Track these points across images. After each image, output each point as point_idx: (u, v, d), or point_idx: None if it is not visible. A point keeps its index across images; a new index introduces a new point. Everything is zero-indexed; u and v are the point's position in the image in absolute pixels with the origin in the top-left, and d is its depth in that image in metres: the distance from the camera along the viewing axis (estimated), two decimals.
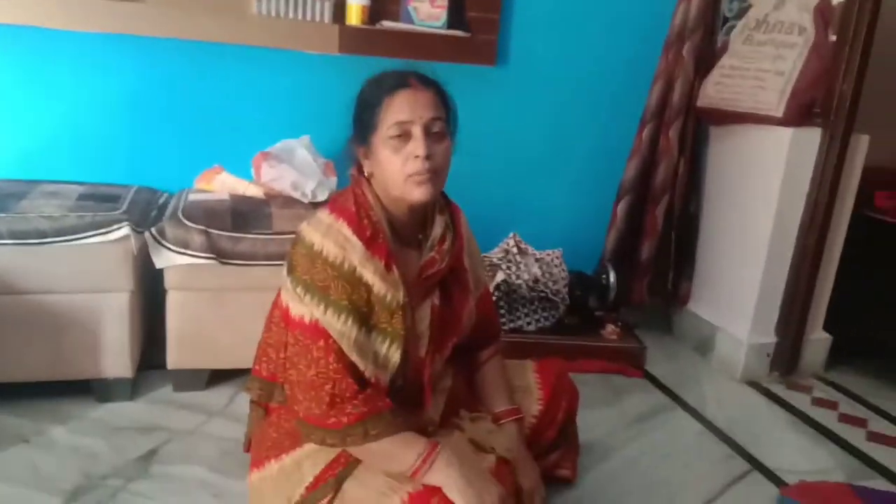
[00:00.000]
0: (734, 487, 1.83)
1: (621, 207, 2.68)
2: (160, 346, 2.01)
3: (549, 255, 2.55)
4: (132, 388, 1.99)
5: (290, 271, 1.30)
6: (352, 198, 1.33)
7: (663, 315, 2.87)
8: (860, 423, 2.25)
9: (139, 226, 1.89)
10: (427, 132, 1.26)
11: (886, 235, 2.43)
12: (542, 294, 2.47)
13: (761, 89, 2.29)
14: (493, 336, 1.61)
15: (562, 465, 1.73)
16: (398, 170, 1.26)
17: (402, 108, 1.26)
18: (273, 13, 2.26)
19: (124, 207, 1.95)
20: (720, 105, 2.45)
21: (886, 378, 2.50)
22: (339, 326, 1.25)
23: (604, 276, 2.61)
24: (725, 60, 2.46)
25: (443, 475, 1.23)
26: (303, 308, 1.27)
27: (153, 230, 1.88)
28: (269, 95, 2.38)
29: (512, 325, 2.48)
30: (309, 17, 2.29)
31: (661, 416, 2.17)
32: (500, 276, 2.45)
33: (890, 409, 2.34)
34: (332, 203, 1.35)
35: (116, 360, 1.92)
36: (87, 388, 1.95)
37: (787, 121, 2.23)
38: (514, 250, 2.52)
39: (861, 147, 2.34)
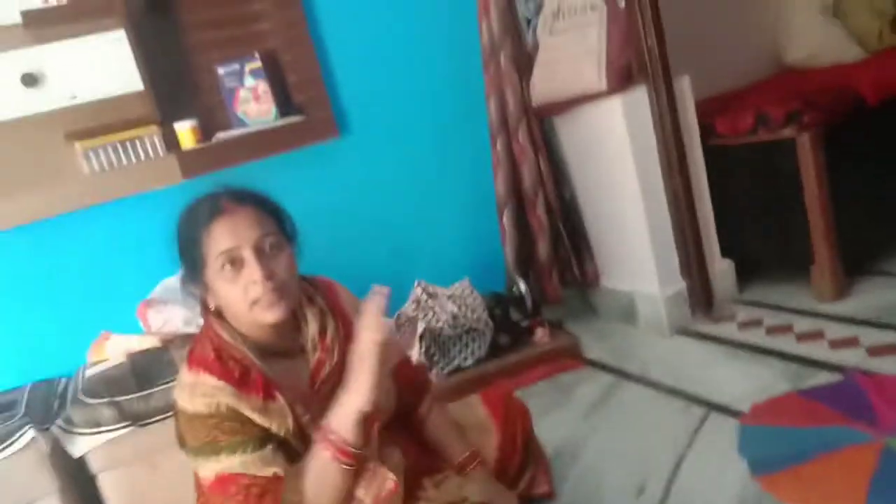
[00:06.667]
0: (699, 435, 1.89)
1: (506, 219, 2.76)
2: None
3: (458, 288, 2.59)
4: None
5: (181, 445, 1.25)
6: (208, 343, 1.26)
7: (583, 300, 2.95)
8: (787, 329, 2.37)
9: (44, 423, 1.81)
10: (259, 252, 1.20)
11: (738, 154, 2.59)
12: (466, 327, 2.51)
13: (580, 71, 2.43)
14: (424, 391, 1.59)
15: (537, 483, 1.73)
16: (241, 299, 1.20)
17: (223, 237, 1.19)
18: (106, 166, 2.24)
19: (22, 411, 1.86)
20: (552, 98, 2.58)
21: (793, 279, 2.64)
22: (240, 459, 1.19)
23: (515, 287, 2.68)
24: (541, 57, 2.60)
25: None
26: (205, 471, 1.22)
27: (59, 422, 1.81)
28: (132, 244, 2.33)
29: (450, 367, 2.50)
30: (143, 156, 2.28)
31: (612, 397, 2.23)
32: (420, 327, 2.47)
33: (807, 306, 2.48)
34: (189, 357, 1.28)
35: None
36: None
37: (612, 90, 2.37)
38: (424, 297, 2.55)
39: (685, 88, 2.50)
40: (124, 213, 2.33)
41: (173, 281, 2.20)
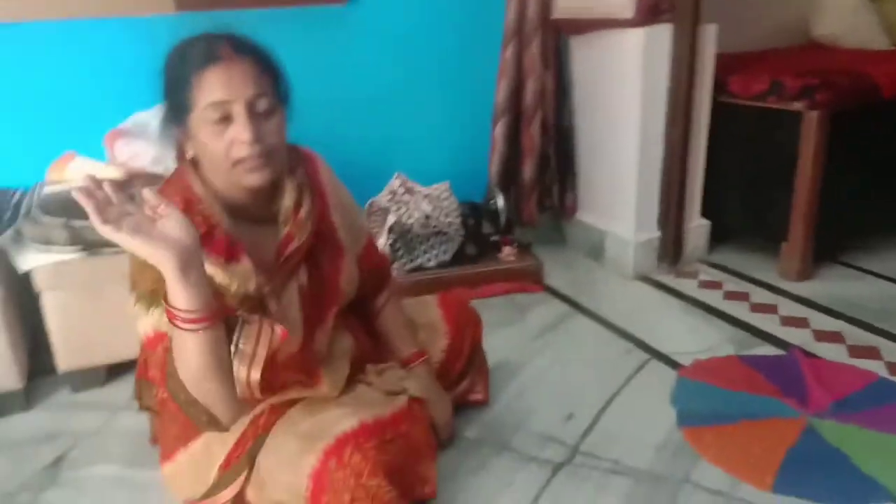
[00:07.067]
0: (636, 378, 1.94)
1: (499, 130, 2.69)
2: (49, 349, 1.90)
3: (436, 189, 2.56)
4: (26, 397, 1.89)
5: (132, 288, 1.20)
6: (178, 193, 1.19)
7: (556, 228, 2.95)
8: (743, 297, 2.41)
9: None
10: (251, 111, 1.12)
11: (744, 116, 2.55)
12: (437, 229, 2.49)
13: None
14: (385, 281, 1.59)
15: (473, 389, 1.78)
16: (223, 156, 1.13)
17: (216, 87, 1.10)
18: None
19: None
20: (575, 14, 2.48)
21: (763, 251, 2.68)
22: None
23: (493, 201, 2.65)
24: None
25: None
26: (143, 322, 1.18)
27: (9, 233, 1.76)
28: (111, 68, 2.22)
29: (412, 264, 2.49)
30: None
31: (563, 325, 2.26)
32: (391, 219, 2.44)
33: (769, 279, 2.52)
34: None
35: (1, 372, 1.81)
36: None
37: (638, 21, 2.29)
38: (401, 190, 2.51)
39: (710, 37, 2.43)
40: (109, 35, 2.21)
41: (146, 116, 2.11)
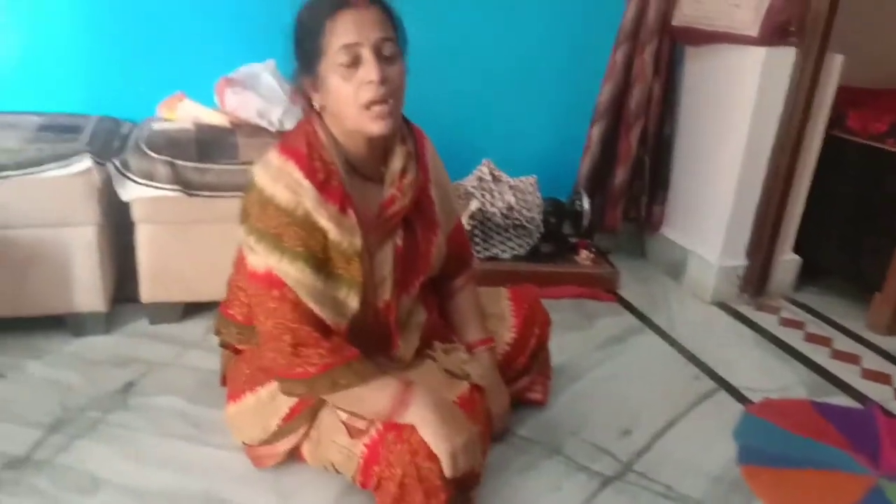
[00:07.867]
0: (700, 406, 1.88)
1: (595, 132, 2.65)
2: (134, 279, 1.99)
3: (523, 181, 2.54)
4: (107, 321, 1.98)
5: (244, 220, 1.26)
6: (303, 136, 1.26)
7: (637, 240, 2.88)
8: (825, 342, 2.31)
9: (102, 157, 1.85)
10: (378, 54, 1.18)
11: (858, 155, 2.43)
12: (517, 222, 2.47)
13: (737, 7, 2.24)
14: (466, 265, 1.60)
15: (533, 388, 1.76)
16: (352, 99, 1.19)
17: (347, 30, 1.17)
18: None
19: (86, 138, 1.89)
20: (696, 24, 2.41)
21: (853, 297, 2.55)
22: (295, 274, 1.22)
23: (578, 202, 2.61)
24: None
25: (419, 416, 1.22)
26: (257, 258, 1.24)
27: (116, 161, 1.84)
28: (232, 17, 2.28)
29: (487, 252, 2.49)
30: None
31: (631, 339, 2.22)
32: (474, 205, 2.44)
33: (855, 328, 2.41)
34: (282, 142, 1.29)
35: (89, 293, 1.91)
36: (61, 324, 1.94)
37: (762, 40, 2.19)
38: (489, 177, 2.50)
39: (835, 67, 2.31)
40: None
41: (258, 68, 2.17)
